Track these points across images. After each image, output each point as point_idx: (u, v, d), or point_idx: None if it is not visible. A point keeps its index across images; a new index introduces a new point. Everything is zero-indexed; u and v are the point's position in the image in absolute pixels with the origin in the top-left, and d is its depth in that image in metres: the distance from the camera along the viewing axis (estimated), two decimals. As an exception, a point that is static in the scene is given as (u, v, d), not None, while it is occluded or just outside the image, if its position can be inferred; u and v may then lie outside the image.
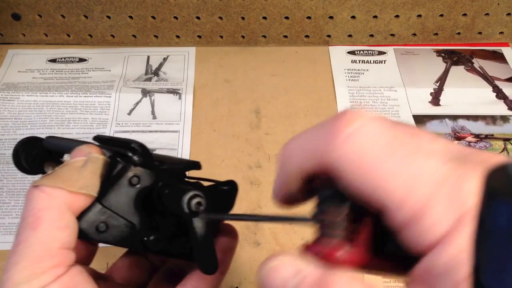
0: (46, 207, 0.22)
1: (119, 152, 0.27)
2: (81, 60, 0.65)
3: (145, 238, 0.27)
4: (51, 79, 0.62)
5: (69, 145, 0.32)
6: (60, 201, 0.23)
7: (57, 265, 0.22)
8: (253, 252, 0.47)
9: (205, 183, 0.29)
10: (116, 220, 0.26)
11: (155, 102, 0.59)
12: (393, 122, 0.19)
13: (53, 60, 0.65)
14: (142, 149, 0.27)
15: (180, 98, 0.60)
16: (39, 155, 0.37)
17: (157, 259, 0.32)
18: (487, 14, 0.63)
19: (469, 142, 0.56)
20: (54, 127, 0.57)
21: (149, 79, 0.62)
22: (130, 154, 0.27)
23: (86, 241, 0.27)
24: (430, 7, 0.62)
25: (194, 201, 0.25)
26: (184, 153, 0.54)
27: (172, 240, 0.28)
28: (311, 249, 0.20)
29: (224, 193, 0.29)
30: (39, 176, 0.38)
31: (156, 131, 0.56)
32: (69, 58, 0.65)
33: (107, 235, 0.25)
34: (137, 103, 0.59)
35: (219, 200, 0.28)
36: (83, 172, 0.24)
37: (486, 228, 0.14)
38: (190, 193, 0.25)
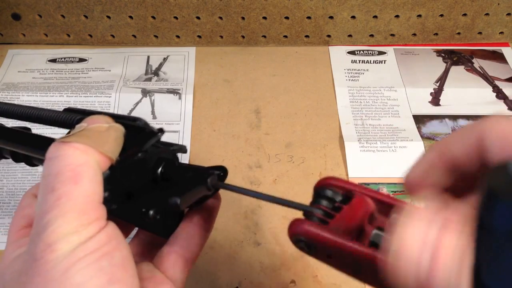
0: (84, 163, 0.23)
1: (129, 125, 0.28)
2: (81, 60, 0.65)
3: (144, 210, 0.27)
4: (51, 79, 0.62)
5: (36, 113, 0.32)
6: (94, 159, 0.24)
7: (100, 217, 0.23)
8: (253, 252, 0.47)
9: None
10: (121, 191, 0.26)
11: (155, 102, 0.59)
12: None
13: (53, 60, 0.65)
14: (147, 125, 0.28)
15: (180, 98, 0.60)
16: None
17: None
18: (487, 14, 0.63)
19: (469, 142, 0.56)
20: (54, 127, 0.57)
21: (149, 79, 0.62)
22: (155, 131, 0.28)
23: None
24: (430, 7, 0.62)
25: (211, 180, 0.28)
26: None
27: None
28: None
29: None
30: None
31: (156, 131, 0.56)
32: (69, 58, 0.65)
33: (110, 204, 0.26)
34: (137, 103, 0.59)
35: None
36: (108, 138, 0.25)
37: (486, 228, 0.14)
38: (214, 174, 0.28)
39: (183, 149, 0.31)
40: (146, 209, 0.27)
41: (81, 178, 0.23)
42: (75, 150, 0.23)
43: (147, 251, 0.31)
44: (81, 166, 0.23)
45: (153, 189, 0.29)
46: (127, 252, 0.23)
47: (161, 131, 0.29)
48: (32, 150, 0.31)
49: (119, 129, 0.27)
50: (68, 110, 0.31)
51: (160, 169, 0.29)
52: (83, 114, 0.30)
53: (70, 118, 0.30)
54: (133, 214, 0.27)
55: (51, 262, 0.21)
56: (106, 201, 0.25)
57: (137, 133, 0.28)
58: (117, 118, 0.28)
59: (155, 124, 0.56)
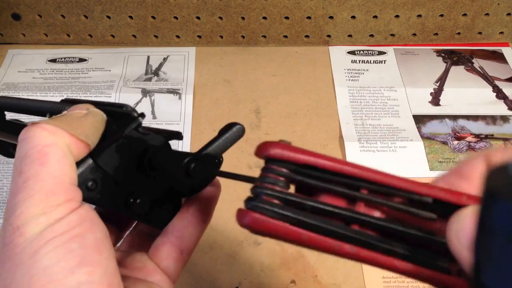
0: (51, 143, 0.22)
1: (116, 112, 0.27)
2: (81, 60, 0.65)
3: (131, 200, 0.27)
4: (51, 79, 0.62)
5: (29, 104, 0.31)
6: (63, 141, 0.23)
7: (71, 199, 0.22)
8: (253, 252, 0.47)
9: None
10: (105, 180, 0.25)
11: (155, 102, 0.59)
12: None
13: (53, 60, 0.65)
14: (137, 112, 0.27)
15: (180, 98, 0.60)
16: None
17: (122, 222, 0.32)
18: (487, 14, 0.63)
19: (469, 142, 0.56)
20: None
21: (149, 79, 0.62)
22: (135, 115, 0.27)
23: None
24: (430, 7, 0.62)
25: (192, 165, 0.26)
26: (184, 153, 0.54)
27: (152, 207, 0.28)
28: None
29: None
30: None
31: (156, 131, 0.56)
32: (69, 58, 0.65)
33: (94, 193, 0.25)
34: (137, 103, 0.59)
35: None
36: (83, 122, 0.24)
37: (486, 228, 0.14)
38: (189, 158, 0.26)
39: (178, 136, 0.29)
40: (133, 199, 0.27)
41: (48, 159, 0.22)
42: (42, 131, 0.22)
43: (146, 241, 0.30)
44: (48, 147, 0.22)
45: (141, 178, 0.28)
46: (102, 234, 0.22)
47: (142, 115, 0.27)
48: (6, 135, 0.30)
49: (98, 114, 0.26)
50: (65, 101, 0.30)
51: (147, 157, 0.27)
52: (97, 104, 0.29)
53: (63, 108, 0.29)
54: (123, 205, 0.27)
55: (20, 246, 0.20)
56: (89, 190, 0.24)
57: (120, 120, 0.27)
58: (102, 105, 0.27)
59: (155, 124, 0.57)
